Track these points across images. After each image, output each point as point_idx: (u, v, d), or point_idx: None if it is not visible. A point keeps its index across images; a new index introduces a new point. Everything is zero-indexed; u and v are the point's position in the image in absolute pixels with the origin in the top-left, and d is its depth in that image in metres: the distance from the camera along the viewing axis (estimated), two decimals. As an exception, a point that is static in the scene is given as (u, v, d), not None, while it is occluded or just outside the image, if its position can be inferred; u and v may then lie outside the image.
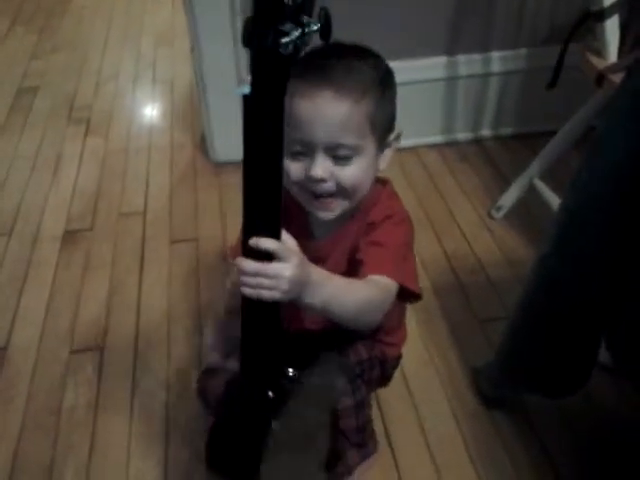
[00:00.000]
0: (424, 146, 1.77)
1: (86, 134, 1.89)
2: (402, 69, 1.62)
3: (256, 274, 0.62)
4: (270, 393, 0.74)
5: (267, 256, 0.62)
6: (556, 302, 0.81)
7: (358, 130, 0.74)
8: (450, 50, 1.66)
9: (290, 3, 0.49)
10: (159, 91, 2.12)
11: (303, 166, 0.75)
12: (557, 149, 1.36)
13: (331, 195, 0.77)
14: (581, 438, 1.05)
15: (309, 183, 0.76)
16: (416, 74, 1.66)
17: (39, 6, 2.70)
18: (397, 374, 1.14)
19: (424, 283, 1.35)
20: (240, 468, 0.75)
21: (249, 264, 0.62)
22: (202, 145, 1.78)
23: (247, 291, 0.63)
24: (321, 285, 0.68)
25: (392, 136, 0.81)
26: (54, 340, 1.25)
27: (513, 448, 1.04)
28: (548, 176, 1.43)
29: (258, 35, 0.50)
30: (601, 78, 1.10)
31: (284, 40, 0.50)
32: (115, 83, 2.16)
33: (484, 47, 1.67)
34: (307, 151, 0.75)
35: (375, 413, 1.08)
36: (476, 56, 1.67)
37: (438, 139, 1.78)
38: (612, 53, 1.13)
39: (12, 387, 1.16)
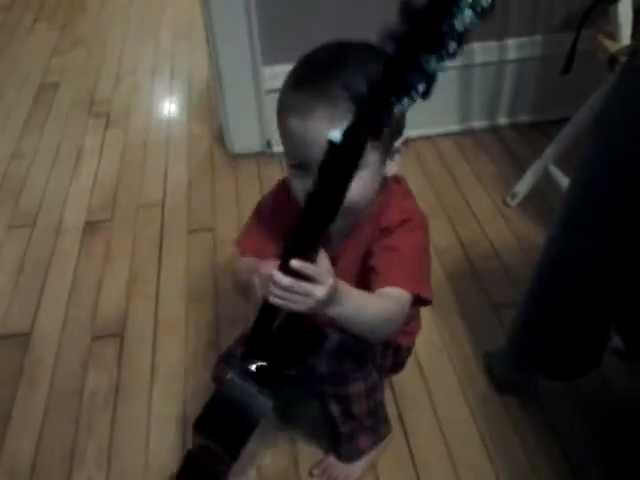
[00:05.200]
0: (440, 135, 1.77)
1: (106, 127, 1.93)
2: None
3: (289, 290, 0.64)
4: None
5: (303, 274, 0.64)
6: (562, 282, 0.82)
7: None
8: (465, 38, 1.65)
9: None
10: (177, 84, 2.15)
11: (305, 183, 0.73)
12: (572, 134, 1.35)
13: None
14: (592, 421, 1.05)
15: None
16: (431, 63, 1.66)
17: (60, 2, 2.75)
18: (411, 359, 1.15)
19: (438, 271, 1.36)
20: (229, 442, 0.78)
21: (284, 279, 0.64)
22: (219, 137, 1.81)
23: (275, 300, 0.66)
24: (342, 300, 0.69)
25: (399, 142, 0.78)
26: (76, 326, 1.29)
27: (524, 431, 1.04)
28: (563, 162, 1.42)
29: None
30: (614, 61, 1.10)
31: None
32: (134, 77, 2.19)
33: (500, 34, 1.66)
34: (305, 167, 0.73)
35: (389, 397, 1.10)
36: (492, 43, 1.67)
37: (454, 128, 1.78)
38: (625, 36, 1.12)
39: (36, 371, 1.20)
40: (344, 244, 0.84)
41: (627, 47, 1.10)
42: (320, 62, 0.74)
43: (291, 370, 0.77)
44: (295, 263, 0.62)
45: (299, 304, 0.65)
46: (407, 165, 1.67)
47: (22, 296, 1.37)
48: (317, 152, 0.69)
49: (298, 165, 0.75)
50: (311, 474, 1.01)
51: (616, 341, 1.01)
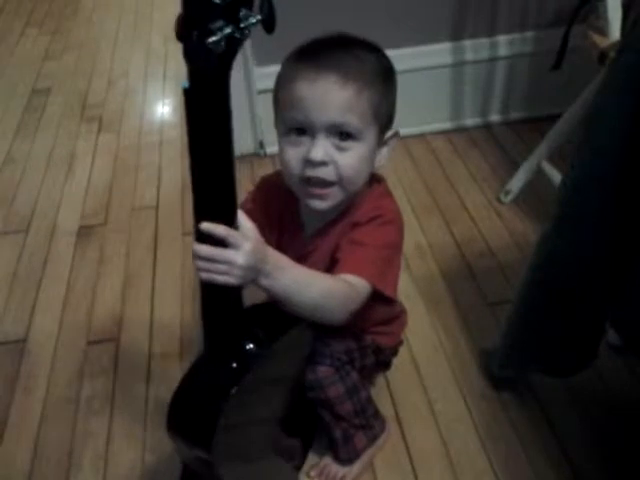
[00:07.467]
0: (432, 133, 1.77)
1: (99, 131, 1.92)
2: (409, 56, 1.66)
3: (208, 259, 0.61)
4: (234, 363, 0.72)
5: (221, 241, 0.61)
6: (556, 279, 0.82)
7: (361, 115, 0.73)
8: (456, 35, 1.66)
9: (219, 1, 0.48)
10: (169, 86, 2.15)
11: (301, 151, 0.74)
12: (564, 130, 1.35)
13: (327, 185, 0.75)
14: (590, 417, 1.05)
15: (307, 169, 0.74)
16: (423, 61, 1.66)
17: (51, 7, 2.74)
18: (406, 358, 1.16)
19: (432, 268, 1.37)
20: (197, 432, 0.73)
21: (201, 248, 0.61)
22: (212, 138, 1.80)
23: (202, 275, 0.63)
24: (278, 272, 0.66)
25: (390, 133, 0.80)
26: (71, 332, 1.28)
27: (521, 428, 1.04)
28: (556, 158, 1.43)
29: (185, 34, 0.50)
30: (604, 56, 1.10)
31: (211, 40, 0.50)
32: (126, 80, 2.19)
33: (490, 31, 1.66)
34: (308, 133, 0.73)
35: (385, 397, 1.10)
36: (483, 40, 1.67)
37: (446, 125, 1.78)
38: (614, 31, 1.13)
39: (32, 377, 1.20)
40: (316, 238, 0.84)
41: (617, 42, 1.10)
42: (330, 42, 0.76)
43: (256, 350, 0.73)
44: (203, 225, 0.60)
45: (225, 275, 0.62)
46: (400, 163, 1.68)
47: (16, 302, 1.36)
48: (326, 112, 0.72)
49: (297, 130, 0.74)
50: (308, 475, 1.01)
51: (612, 337, 1.02)
